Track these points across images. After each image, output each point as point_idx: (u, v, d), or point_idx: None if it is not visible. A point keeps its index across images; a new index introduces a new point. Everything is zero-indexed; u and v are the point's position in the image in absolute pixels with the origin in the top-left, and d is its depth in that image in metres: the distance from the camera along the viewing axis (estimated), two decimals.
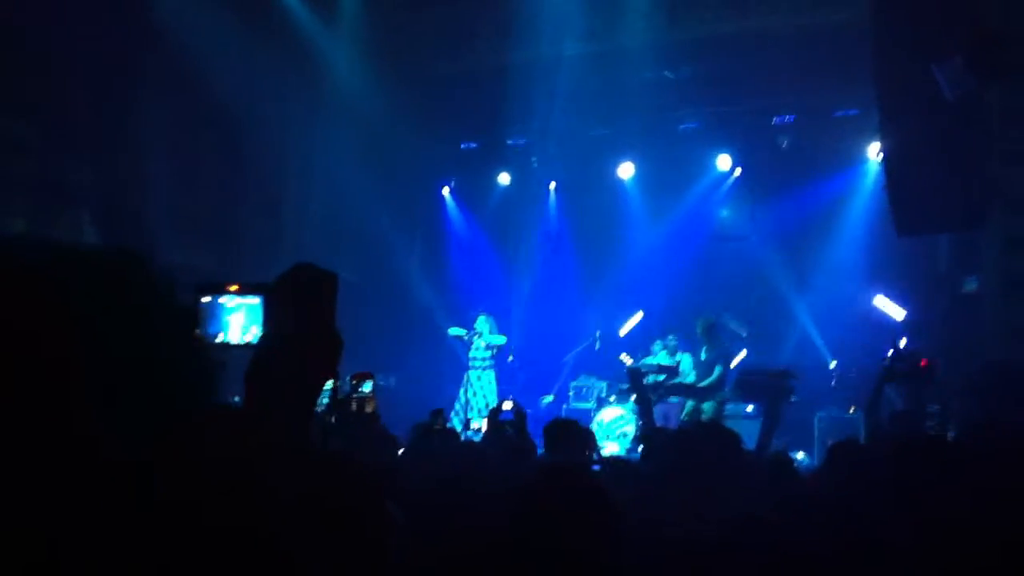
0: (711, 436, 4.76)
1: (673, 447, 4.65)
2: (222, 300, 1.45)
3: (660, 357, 11.26)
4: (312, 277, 1.24)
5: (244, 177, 12.16)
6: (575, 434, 5.21)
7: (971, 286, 10.47)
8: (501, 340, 12.58)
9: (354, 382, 5.76)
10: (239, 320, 1.43)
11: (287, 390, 1.19)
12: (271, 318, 1.27)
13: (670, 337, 11.45)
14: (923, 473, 2.83)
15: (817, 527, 3.45)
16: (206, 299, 1.45)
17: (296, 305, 1.22)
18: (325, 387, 1.27)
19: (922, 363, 6.63)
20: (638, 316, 13.34)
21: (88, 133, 10.47)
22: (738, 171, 13.72)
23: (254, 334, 1.42)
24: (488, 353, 12.42)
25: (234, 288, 1.44)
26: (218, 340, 1.43)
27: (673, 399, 10.41)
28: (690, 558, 2.96)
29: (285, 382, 1.19)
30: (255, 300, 1.42)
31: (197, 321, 1.17)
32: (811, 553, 3.07)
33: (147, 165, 10.97)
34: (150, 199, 10.73)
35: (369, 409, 5.71)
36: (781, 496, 4.03)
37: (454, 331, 12.77)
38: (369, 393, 5.70)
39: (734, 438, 4.84)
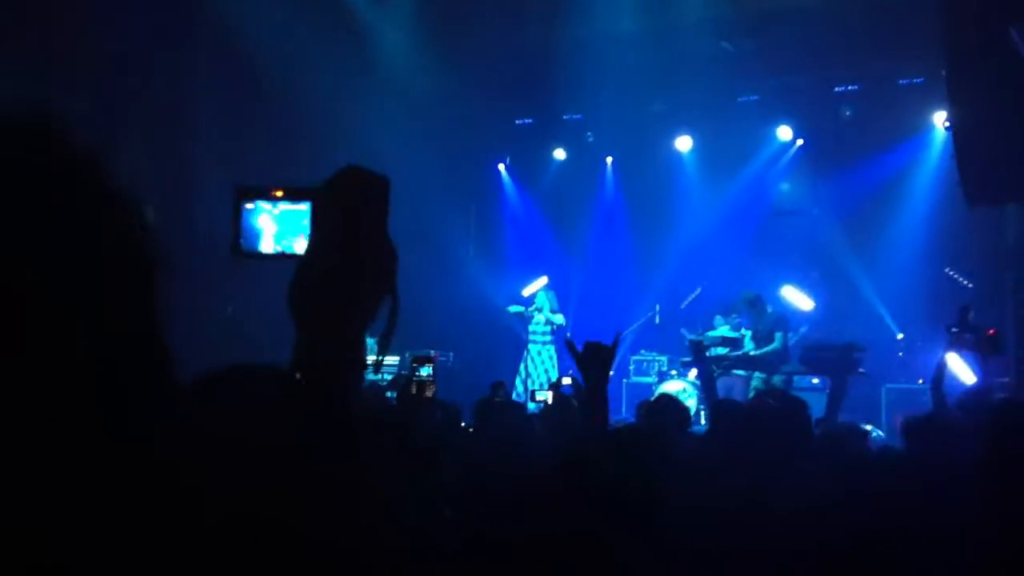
0: (780, 407, 4.71)
1: (742, 419, 4.60)
2: (266, 206, 1.36)
3: (723, 331, 11.16)
4: (363, 179, 1.17)
5: (294, 155, 12.22)
6: (676, 411, 5.25)
7: None
8: (560, 320, 12.56)
9: (414, 364, 5.72)
10: (272, 228, 1.34)
11: (340, 304, 1.11)
12: (320, 224, 1.18)
13: (733, 316, 11.33)
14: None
15: (894, 503, 3.36)
16: (249, 205, 1.36)
17: (347, 210, 1.14)
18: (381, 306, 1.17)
19: (989, 333, 6.47)
20: (696, 292, 13.22)
21: (140, 109, 10.60)
22: (799, 142, 13.49)
23: (302, 243, 1.32)
24: (548, 328, 12.43)
25: (279, 192, 1.35)
26: (259, 250, 1.34)
27: (738, 372, 10.29)
28: (756, 531, 2.91)
29: (338, 295, 1.11)
30: (303, 206, 1.33)
31: (142, 223, 0.91)
32: (881, 532, 2.99)
33: (199, 142, 11.08)
34: (202, 175, 10.83)
35: (428, 393, 5.66)
36: (852, 470, 3.95)
37: (514, 308, 12.77)
38: (428, 377, 5.64)
39: (802, 407, 4.78)
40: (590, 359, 3.12)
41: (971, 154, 8.48)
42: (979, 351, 6.29)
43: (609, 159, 14.87)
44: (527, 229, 15.21)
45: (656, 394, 6.07)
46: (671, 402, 5.50)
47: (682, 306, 13.14)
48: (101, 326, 0.86)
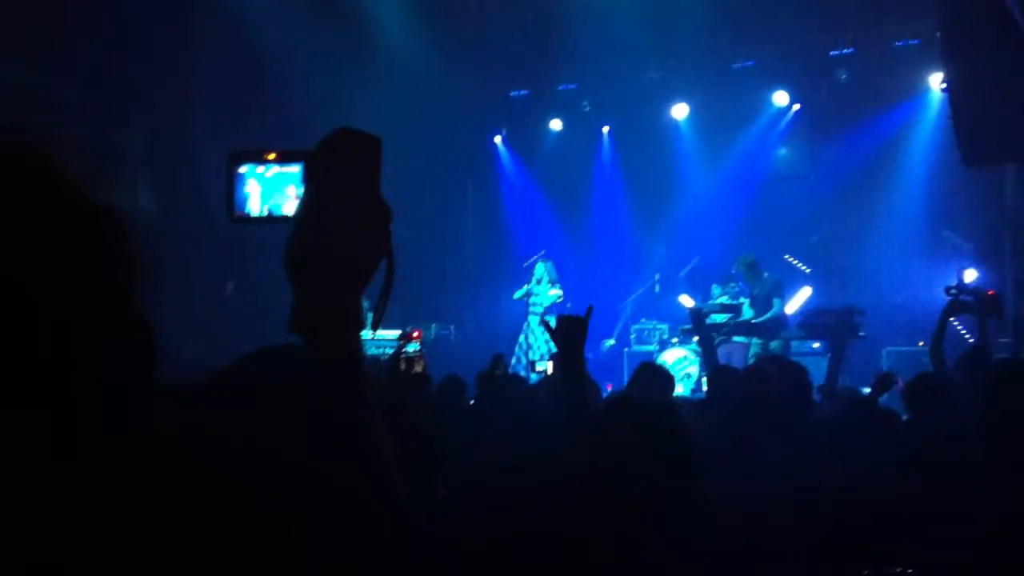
0: (779, 374, 4.72)
1: (741, 386, 4.62)
2: (258, 170, 1.35)
3: (722, 299, 11.16)
4: (354, 139, 1.15)
5: (292, 140, 12.16)
6: (660, 376, 5.28)
7: None
8: (554, 299, 12.53)
9: (400, 343, 5.70)
10: (259, 190, 1.33)
11: (335, 264, 1.09)
12: (312, 185, 1.15)
13: (731, 284, 11.32)
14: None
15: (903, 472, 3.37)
16: (242, 169, 1.36)
17: (338, 169, 1.12)
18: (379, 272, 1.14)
19: (988, 293, 6.48)
20: (694, 261, 13.22)
21: (137, 97, 10.54)
22: (796, 107, 13.45)
23: (290, 205, 1.31)
24: (549, 300, 12.44)
25: (272, 156, 1.34)
26: (246, 214, 1.33)
27: (738, 339, 10.29)
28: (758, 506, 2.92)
29: (332, 255, 1.09)
30: (295, 169, 1.32)
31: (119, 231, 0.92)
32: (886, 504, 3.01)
33: (196, 129, 11.04)
34: (201, 162, 10.80)
35: (418, 369, 5.66)
36: (858, 437, 3.97)
37: (518, 294, 12.76)
38: (416, 353, 5.64)
39: (802, 373, 4.79)
40: (563, 333, 3.04)
41: (967, 114, 8.45)
42: (978, 312, 6.29)
43: (606, 129, 14.82)
44: (525, 201, 15.19)
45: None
46: (652, 369, 5.52)
47: (680, 274, 13.15)
48: (83, 325, 0.87)
